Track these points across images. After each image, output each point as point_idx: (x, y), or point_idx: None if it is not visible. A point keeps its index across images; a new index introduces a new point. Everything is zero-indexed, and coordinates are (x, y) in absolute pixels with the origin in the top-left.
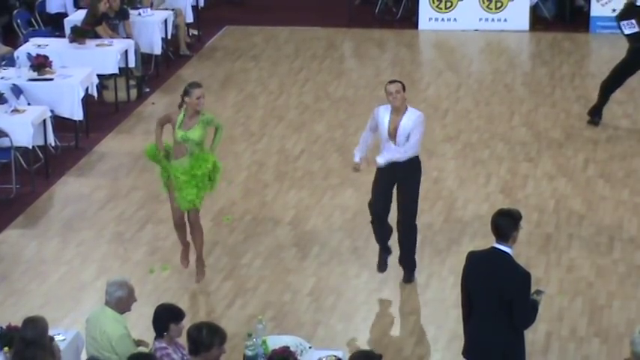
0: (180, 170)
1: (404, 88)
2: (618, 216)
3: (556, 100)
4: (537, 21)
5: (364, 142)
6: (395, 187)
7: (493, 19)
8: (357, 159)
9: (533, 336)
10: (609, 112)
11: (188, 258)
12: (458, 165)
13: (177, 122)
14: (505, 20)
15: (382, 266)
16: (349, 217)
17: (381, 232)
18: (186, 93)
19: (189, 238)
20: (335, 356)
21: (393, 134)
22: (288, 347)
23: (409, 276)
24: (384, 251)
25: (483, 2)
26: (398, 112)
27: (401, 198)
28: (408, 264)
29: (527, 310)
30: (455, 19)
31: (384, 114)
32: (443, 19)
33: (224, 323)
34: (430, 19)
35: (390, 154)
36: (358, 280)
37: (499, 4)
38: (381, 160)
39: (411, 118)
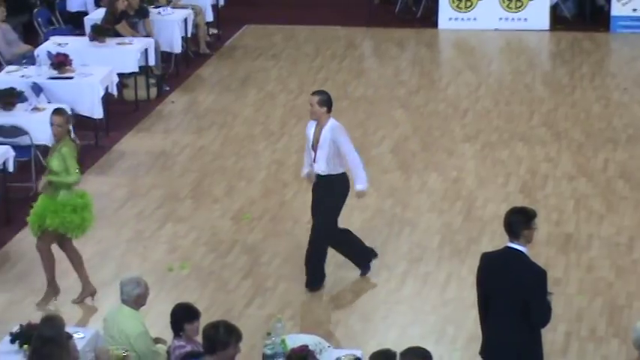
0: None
1: (324, 103)
2: (638, 216)
3: (576, 99)
4: (557, 20)
5: (307, 160)
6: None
7: (513, 19)
8: (304, 174)
9: (553, 336)
10: (629, 112)
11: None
12: (477, 165)
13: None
14: (525, 20)
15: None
16: (368, 216)
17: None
18: None
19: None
20: (354, 355)
21: (315, 146)
22: (307, 346)
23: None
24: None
25: (503, 2)
26: (319, 124)
27: (314, 210)
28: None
29: (545, 308)
30: (475, 19)
31: (310, 126)
32: (463, 19)
33: (243, 322)
34: (450, 18)
35: (360, 174)
36: (377, 279)
37: (519, 4)
38: (362, 185)
39: (327, 130)
